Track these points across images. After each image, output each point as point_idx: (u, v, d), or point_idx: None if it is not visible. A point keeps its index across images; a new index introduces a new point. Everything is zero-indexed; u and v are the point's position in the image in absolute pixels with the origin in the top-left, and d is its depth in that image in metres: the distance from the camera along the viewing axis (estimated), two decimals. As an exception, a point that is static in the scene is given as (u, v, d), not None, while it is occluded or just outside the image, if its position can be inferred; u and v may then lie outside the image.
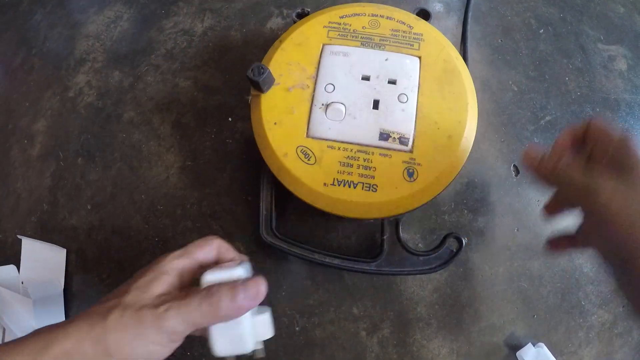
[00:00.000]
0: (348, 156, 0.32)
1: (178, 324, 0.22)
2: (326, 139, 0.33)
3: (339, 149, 0.33)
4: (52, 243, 0.39)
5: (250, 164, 0.41)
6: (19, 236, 0.39)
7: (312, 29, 0.36)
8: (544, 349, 0.36)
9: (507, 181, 0.41)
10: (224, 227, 0.40)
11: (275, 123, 0.33)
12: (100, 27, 0.48)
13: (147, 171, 0.42)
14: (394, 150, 0.33)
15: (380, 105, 0.34)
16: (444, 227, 0.40)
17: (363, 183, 0.32)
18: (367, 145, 0.33)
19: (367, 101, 0.34)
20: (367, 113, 0.33)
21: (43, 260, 0.39)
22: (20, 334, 0.33)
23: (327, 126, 0.33)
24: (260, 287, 0.24)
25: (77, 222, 0.41)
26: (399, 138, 0.33)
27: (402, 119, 0.33)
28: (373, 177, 0.32)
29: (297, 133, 0.33)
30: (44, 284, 0.37)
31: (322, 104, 0.34)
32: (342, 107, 0.33)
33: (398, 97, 0.34)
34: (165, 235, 0.40)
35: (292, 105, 0.34)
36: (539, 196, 0.41)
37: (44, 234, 0.41)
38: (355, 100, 0.34)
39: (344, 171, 0.32)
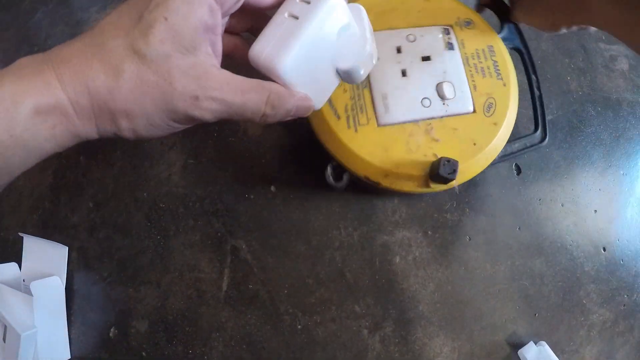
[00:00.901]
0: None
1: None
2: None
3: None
4: (53, 241, 0.39)
5: (252, 163, 0.41)
6: (20, 234, 0.39)
7: None
8: (545, 347, 0.36)
9: (509, 180, 0.41)
10: (226, 225, 0.40)
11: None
12: (102, 25, 0.48)
13: (149, 169, 0.41)
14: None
15: (432, 58, 0.33)
16: (446, 225, 0.40)
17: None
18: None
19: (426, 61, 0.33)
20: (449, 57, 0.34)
21: (44, 258, 0.39)
22: (21, 332, 0.33)
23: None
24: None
25: (78, 220, 0.41)
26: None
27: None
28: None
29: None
30: (46, 281, 0.37)
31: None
32: (448, 85, 0.32)
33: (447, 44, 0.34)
34: (167, 233, 0.40)
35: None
36: (540, 195, 0.41)
37: (46, 232, 0.40)
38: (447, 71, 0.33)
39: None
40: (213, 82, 0.18)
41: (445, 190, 0.33)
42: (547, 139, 0.36)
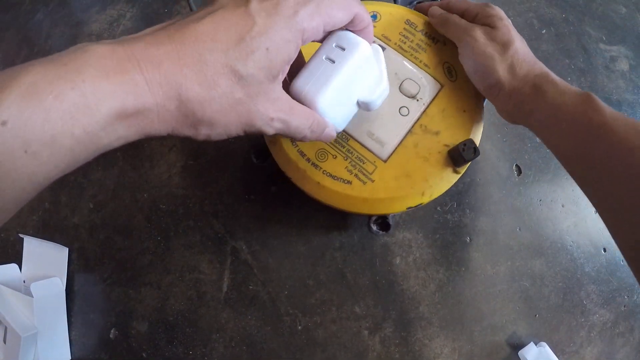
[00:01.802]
0: None
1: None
2: None
3: None
4: (54, 242, 0.39)
5: (252, 163, 0.41)
6: (20, 235, 0.39)
7: None
8: (545, 348, 0.36)
9: (509, 180, 0.41)
10: (226, 226, 0.40)
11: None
12: (102, 25, 0.48)
13: (149, 170, 0.41)
14: None
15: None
16: (447, 226, 0.40)
17: None
18: None
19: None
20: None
21: (45, 259, 0.39)
22: (21, 333, 0.33)
23: None
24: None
25: (79, 221, 0.41)
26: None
27: None
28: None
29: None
30: (46, 282, 0.37)
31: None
32: (407, 82, 0.32)
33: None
34: (167, 234, 0.40)
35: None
36: (540, 196, 0.41)
37: (46, 233, 0.40)
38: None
39: None
40: (284, 106, 0.21)
41: (445, 192, 0.33)
42: None
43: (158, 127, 0.18)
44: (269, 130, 0.21)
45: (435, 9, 0.34)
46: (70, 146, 0.15)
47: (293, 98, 0.24)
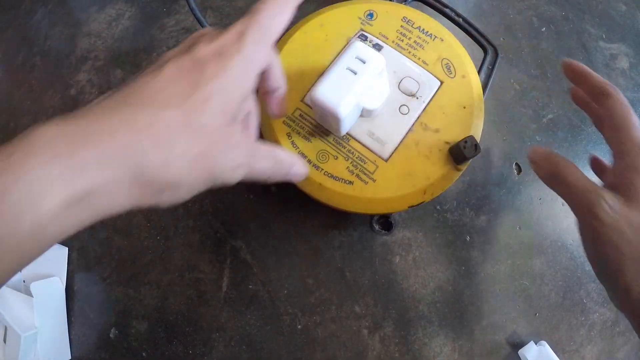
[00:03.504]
0: None
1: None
2: None
3: None
4: (53, 241, 0.39)
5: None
6: (20, 234, 0.39)
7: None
8: (546, 347, 0.36)
9: (510, 179, 0.41)
10: (226, 225, 0.40)
11: None
12: (101, 25, 0.48)
13: (148, 169, 0.41)
14: None
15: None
16: (446, 225, 0.40)
17: None
18: None
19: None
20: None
21: (45, 259, 0.39)
22: (22, 333, 0.33)
23: None
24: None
25: (78, 221, 0.41)
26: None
27: None
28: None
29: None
30: (46, 282, 0.37)
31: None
32: (406, 81, 0.32)
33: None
34: (167, 233, 0.40)
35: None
36: (541, 194, 0.41)
37: (46, 233, 0.41)
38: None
39: None
40: (247, 149, 0.20)
41: (445, 190, 0.33)
42: (498, 51, 0.36)
43: (115, 204, 0.16)
44: (234, 179, 0.20)
45: (539, 150, 0.25)
46: (17, 244, 0.14)
47: (316, 105, 0.25)
